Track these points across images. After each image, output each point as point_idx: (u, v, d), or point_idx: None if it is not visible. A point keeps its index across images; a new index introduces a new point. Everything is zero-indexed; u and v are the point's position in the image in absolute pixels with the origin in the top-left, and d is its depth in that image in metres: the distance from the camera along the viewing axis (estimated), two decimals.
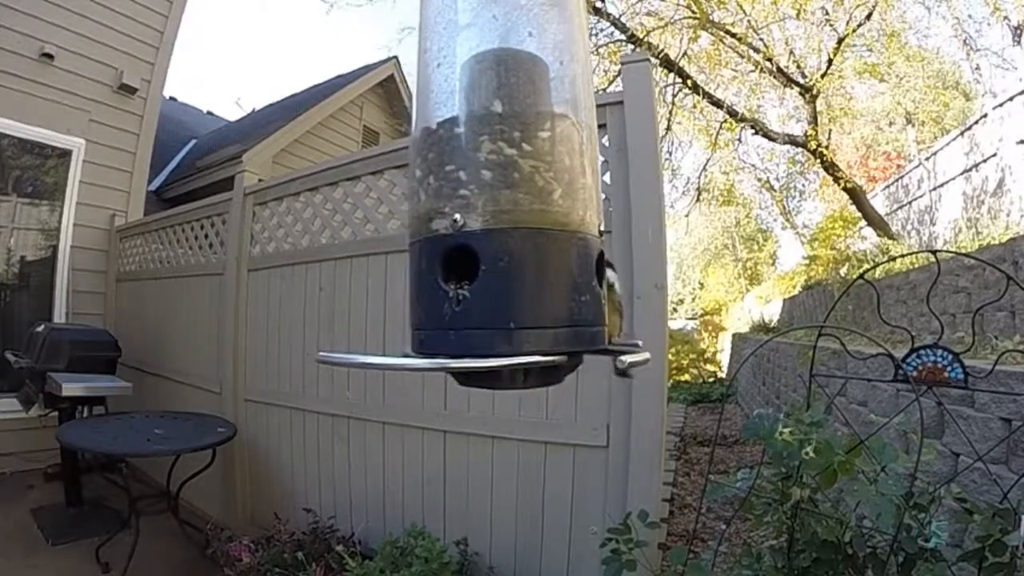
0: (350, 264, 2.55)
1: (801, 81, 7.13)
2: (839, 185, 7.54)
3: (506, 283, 0.40)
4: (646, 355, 0.45)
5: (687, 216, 11.12)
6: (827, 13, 6.64)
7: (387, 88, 8.10)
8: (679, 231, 14.76)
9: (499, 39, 0.42)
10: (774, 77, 7.10)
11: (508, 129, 0.41)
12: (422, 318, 0.43)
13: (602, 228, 0.46)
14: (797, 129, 8.01)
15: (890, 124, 12.00)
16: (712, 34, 7.03)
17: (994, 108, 5.35)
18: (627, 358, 0.43)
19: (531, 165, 0.41)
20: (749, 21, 6.69)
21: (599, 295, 0.44)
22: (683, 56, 6.99)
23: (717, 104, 7.38)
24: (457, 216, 0.41)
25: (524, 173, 0.41)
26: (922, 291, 4.03)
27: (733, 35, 6.96)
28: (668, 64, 6.86)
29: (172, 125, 7.45)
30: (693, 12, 6.62)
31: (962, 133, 6.08)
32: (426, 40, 0.44)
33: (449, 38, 0.43)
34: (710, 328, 17.28)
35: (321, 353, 0.44)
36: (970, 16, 8.38)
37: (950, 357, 1.28)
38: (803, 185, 15.72)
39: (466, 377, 0.44)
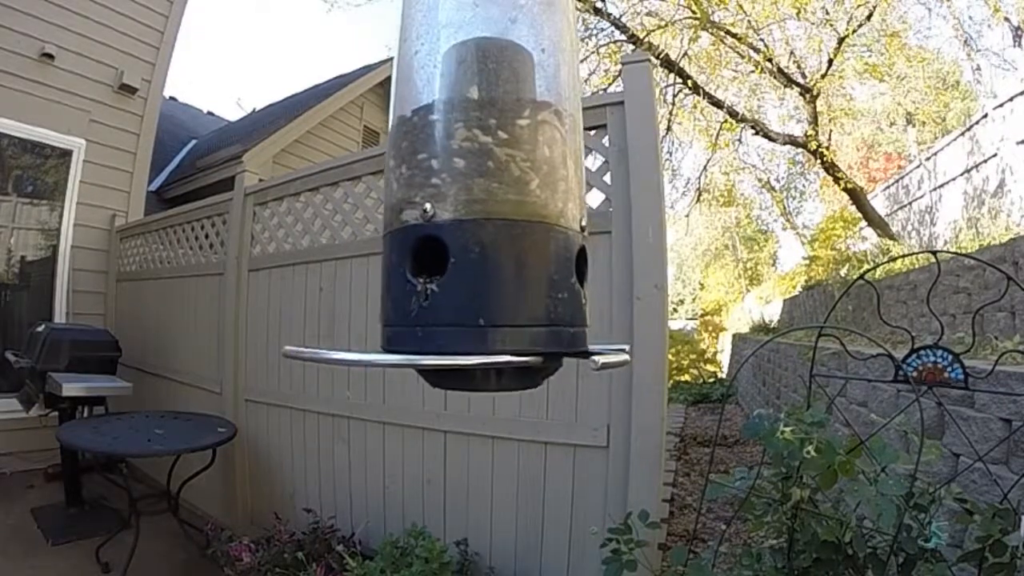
0: (350, 264, 2.55)
1: (801, 81, 7.14)
2: (839, 186, 7.54)
3: (477, 277, 0.38)
4: (624, 357, 0.43)
5: (687, 216, 11.14)
6: (827, 13, 6.64)
7: (388, 88, 7.98)
8: (679, 231, 14.78)
9: (481, 27, 0.41)
10: (774, 77, 7.10)
11: (484, 116, 0.40)
12: (390, 313, 0.42)
13: (584, 223, 0.44)
14: (797, 129, 8.03)
15: (891, 124, 12.01)
16: (712, 34, 7.04)
17: (995, 108, 5.36)
18: (600, 359, 0.40)
19: (507, 154, 0.39)
20: (749, 21, 6.69)
21: (579, 293, 0.42)
22: (683, 56, 6.99)
23: (717, 104, 7.38)
24: (427, 206, 0.39)
25: (499, 161, 0.39)
26: (922, 291, 4.03)
27: (733, 35, 6.96)
28: (668, 64, 6.86)
29: (172, 125, 7.45)
30: (693, 12, 6.62)
31: (963, 133, 6.08)
32: (406, 28, 0.43)
33: (429, 26, 0.42)
34: (710, 328, 17.30)
35: (287, 348, 0.42)
36: (971, 17, 8.39)
37: (950, 357, 1.27)
38: (803, 185, 15.78)
39: (437, 377, 0.42)
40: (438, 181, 0.39)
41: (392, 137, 0.43)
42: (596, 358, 0.40)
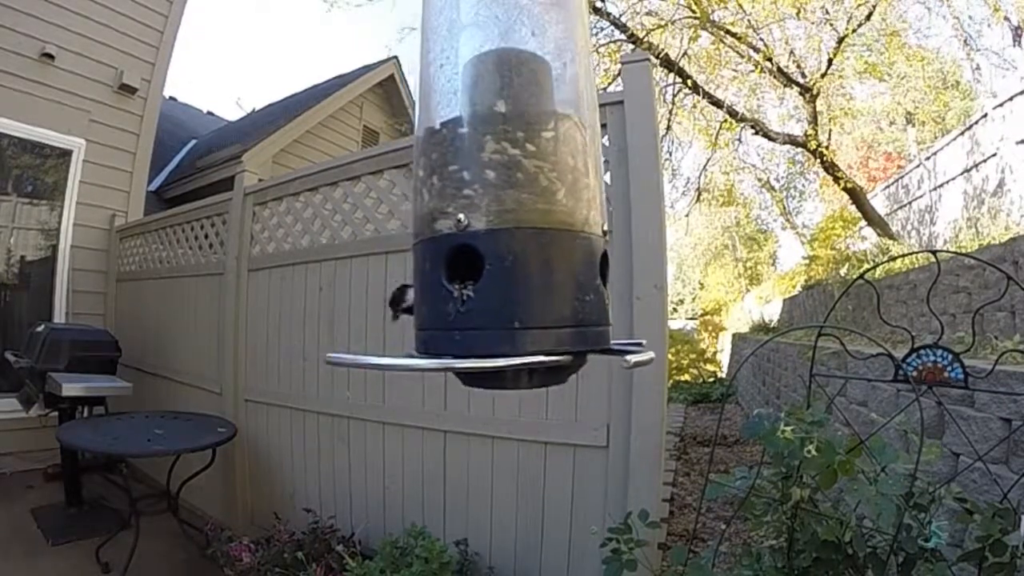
0: (350, 264, 2.55)
1: (801, 81, 7.13)
2: (839, 185, 7.54)
3: (510, 283, 0.40)
4: (651, 354, 0.45)
5: (687, 216, 11.14)
6: (827, 13, 6.64)
7: (387, 88, 8.11)
8: (679, 231, 14.75)
9: (501, 39, 0.42)
10: (774, 77, 7.09)
11: (512, 129, 0.41)
12: (426, 318, 0.43)
13: (606, 228, 0.46)
14: (797, 129, 8.02)
15: (890, 124, 12.01)
16: (712, 34, 7.03)
17: (994, 108, 5.36)
18: (632, 358, 0.43)
19: (535, 165, 0.41)
20: (749, 21, 6.69)
21: (603, 295, 0.44)
22: (683, 56, 6.98)
23: (717, 104, 7.38)
24: (461, 216, 0.41)
25: (528, 173, 0.41)
26: (922, 291, 4.03)
27: (733, 35, 6.95)
28: (668, 64, 6.86)
29: (172, 125, 7.45)
30: (693, 12, 6.62)
31: (962, 133, 6.08)
32: (428, 40, 0.44)
33: (451, 38, 0.43)
34: (710, 328, 17.29)
35: (331, 355, 0.44)
36: (970, 17, 8.38)
37: (950, 357, 1.27)
38: (803, 185, 15.76)
39: (470, 377, 0.44)
40: (470, 192, 0.41)
41: (421, 148, 0.45)
42: (628, 358, 0.43)
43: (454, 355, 0.41)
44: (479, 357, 0.39)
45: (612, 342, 0.46)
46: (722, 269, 20.99)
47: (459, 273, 0.41)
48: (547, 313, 0.41)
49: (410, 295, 0.52)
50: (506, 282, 0.40)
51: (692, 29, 6.85)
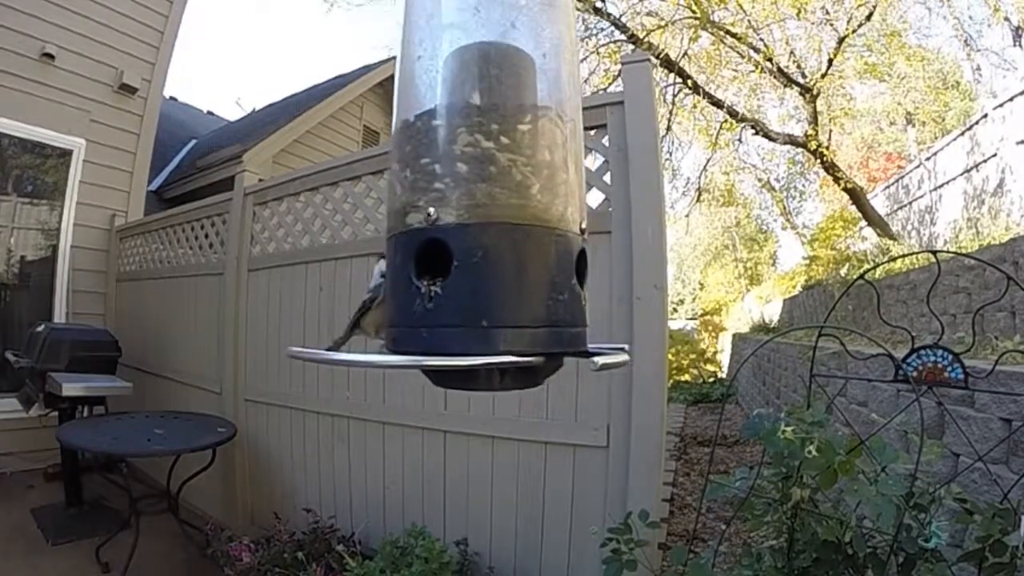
0: (350, 264, 2.54)
1: (801, 81, 7.13)
2: (839, 185, 7.54)
3: (480, 280, 0.39)
4: (624, 357, 0.44)
5: (687, 216, 11.14)
6: (827, 13, 6.64)
7: (387, 88, 8.09)
8: (679, 231, 14.73)
9: (483, 32, 0.41)
10: (774, 77, 7.10)
11: (486, 122, 0.40)
12: (395, 315, 0.42)
13: (584, 226, 0.44)
14: (797, 129, 8.02)
15: (891, 124, 12.02)
16: (712, 34, 7.04)
17: (995, 108, 5.36)
18: (600, 359, 0.41)
19: (508, 158, 0.40)
20: (749, 21, 6.69)
21: (579, 294, 0.43)
22: (683, 56, 6.99)
23: (717, 104, 7.38)
24: (431, 210, 0.40)
25: (501, 166, 0.40)
26: (922, 291, 4.03)
27: (733, 35, 6.96)
28: (668, 64, 6.86)
29: (172, 125, 7.44)
30: (693, 12, 6.62)
31: (963, 133, 6.08)
32: (409, 33, 0.44)
33: (432, 31, 0.42)
34: (710, 328, 17.30)
35: (292, 348, 0.43)
36: (971, 17, 8.42)
37: (950, 357, 1.27)
38: (803, 185, 15.77)
39: (441, 376, 0.43)
40: (441, 186, 0.40)
41: (396, 141, 0.43)
42: (596, 359, 0.41)
43: (421, 353, 0.39)
44: (445, 355, 0.38)
45: (592, 345, 0.44)
46: (722, 269, 20.98)
47: (429, 269, 0.39)
48: (518, 312, 0.39)
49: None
50: (475, 279, 0.38)
51: (692, 29, 6.85)
